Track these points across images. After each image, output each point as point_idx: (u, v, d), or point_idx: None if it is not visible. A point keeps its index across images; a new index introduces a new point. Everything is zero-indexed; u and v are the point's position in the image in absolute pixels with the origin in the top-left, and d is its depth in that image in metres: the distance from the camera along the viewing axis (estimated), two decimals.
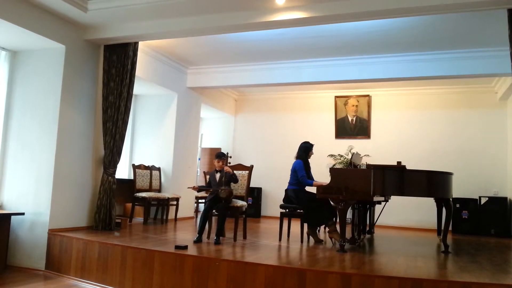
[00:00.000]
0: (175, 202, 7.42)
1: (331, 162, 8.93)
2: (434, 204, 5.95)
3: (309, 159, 5.78)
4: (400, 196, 5.04)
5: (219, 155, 5.41)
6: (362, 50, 6.66)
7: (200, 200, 8.60)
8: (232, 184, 5.40)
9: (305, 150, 5.73)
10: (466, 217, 7.75)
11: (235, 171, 5.43)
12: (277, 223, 5.82)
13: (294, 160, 5.71)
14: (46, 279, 4.70)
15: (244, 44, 6.68)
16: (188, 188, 5.88)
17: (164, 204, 7.19)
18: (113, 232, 5.44)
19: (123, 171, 7.72)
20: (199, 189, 5.51)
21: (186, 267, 4.02)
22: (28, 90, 5.41)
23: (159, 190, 7.56)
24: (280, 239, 5.53)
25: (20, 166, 5.31)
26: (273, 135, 9.89)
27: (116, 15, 5.21)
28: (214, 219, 5.50)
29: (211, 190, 5.31)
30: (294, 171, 5.58)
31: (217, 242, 4.90)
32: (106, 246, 4.53)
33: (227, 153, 5.51)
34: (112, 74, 5.69)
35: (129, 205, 7.26)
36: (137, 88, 7.23)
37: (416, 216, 8.35)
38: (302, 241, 5.47)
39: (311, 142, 5.84)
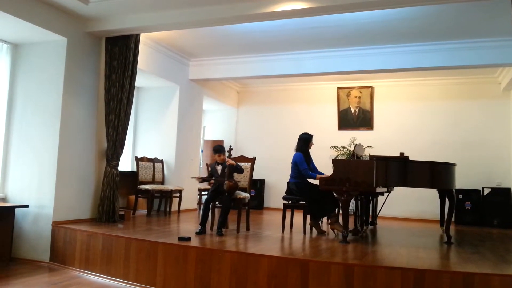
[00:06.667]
0: (178, 194, 7.43)
1: (333, 153, 8.91)
2: (437, 195, 5.96)
3: (309, 150, 5.77)
4: (403, 187, 5.03)
5: (217, 149, 5.33)
6: (364, 41, 6.62)
7: (203, 192, 8.66)
8: (236, 176, 5.40)
9: (305, 141, 5.70)
10: (469, 208, 7.74)
11: (237, 163, 5.42)
12: (280, 215, 5.83)
13: (294, 152, 5.70)
14: (51, 271, 4.73)
15: (246, 35, 6.64)
16: (192, 178, 5.88)
17: (167, 196, 7.21)
18: (116, 224, 5.46)
19: (126, 164, 7.74)
20: (202, 179, 5.51)
21: (190, 258, 4.04)
22: (30, 83, 5.41)
23: (162, 182, 7.58)
24: (283, 231, 5.54)
25: (23, 159, 5.33)
26: (275, 127, 9.87)
27: (117, 7, 5.18)
28: (217, 210, 5.51)
29: (215, 180, 5.28)
30: (294, 164, 5.56)
31: (220, 234, 4.92)
32: (110, 238, 4.55)
33: (230, 146, 5.50)
34: (114, 66, 5.68)
35: (132, 197, 7.29)
36: (139, 81, 7.22)
37: (419, 207, 8.35)
38: (305, 233, 5.48)
39: (310, 133, 5.83)
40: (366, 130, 9.16)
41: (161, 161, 7.71)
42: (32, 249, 5.10)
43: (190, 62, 8.15)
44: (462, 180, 7.13)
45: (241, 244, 4.57)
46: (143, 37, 6.30)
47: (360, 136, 8.87)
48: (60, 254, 4.92)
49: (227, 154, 5.38)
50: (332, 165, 4.94)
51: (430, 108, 8.72)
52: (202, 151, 9.77)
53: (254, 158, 5.80)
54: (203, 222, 5.06)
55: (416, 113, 8.82)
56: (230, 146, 5.50)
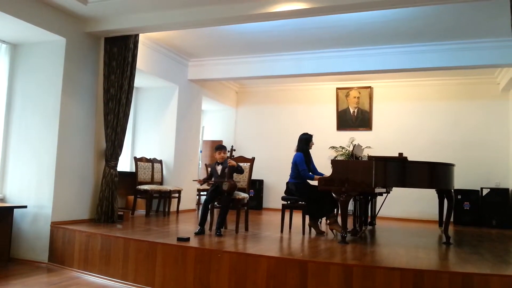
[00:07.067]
0: (177, 195, 7.43)
1: (332, 154, 8.92)
2: (436, 195, 5.95)
3: (310, 150, 5.77)
4: (401, 188, 5.03)
5: (219, 147, 5.40)
6: (363, 41, 6.62)
7: (202, 193, 8.64)
8: (235, 176, 5.40)
9: (306, 141, 5.71)
10: (468, 208, 7.75)
11: (238, 164, 5.42)
12: (278, 215, 5.82)
13: (295, 152, 5.70)
14: (49, 271, 4.72)
15: (245, 36, 6.64)
16: (194, 180, 5.89)
17: (166, 196, 7.20)
18: (115, 225, 5.46)
19: (125, 164, 7.73)
20: (203, 181, 5.52)
21: (188, 258, 4.04)
22: (29, 83, 5.40)
23: (161, 183, 7.57)
24: (281, 231, 5.54)
25: (22, 159, 5.32)
26: (274, 127, 9.88)
27: (116, 7, 5.17)
28: (216, 211, 5.51)
29: (215, 181, 5.31)
30: (294, 164, 5.57)
31: (218, 234, 4.91)
32: (108, 238, 4.55)
33: (232, 146, 5.51)
34: (113, 66, 5.67)
35: (131, 197, 7.28)
36: (138, 81, 7.21)
37: (418, 208, 8.36)
38: (303, 233, 5.48)
39: (309, 133, 5.83)
40: (365, 130, 9.17)
41: (160, 162, 7.70)
42: (31, 249, 5.09)
43: (189, 62, 8.15)
44: (460, 181, 7.13)
45: (240, 244, 4.57)
46: (142, 37, 6.30)
47: (359, 137, 8.88)
48: (59, 254, 4.92)
49: (228, 153, 5.38)
50: (331, 165, 4.94)
51: (429, 108, 8.73)
52: (201, 152, 9.77)
53: (253, 159, 5.80)
54: (202, 223, 5.05)
55: (415, 113, 8.83)
56: (232, 146, 5.49)
